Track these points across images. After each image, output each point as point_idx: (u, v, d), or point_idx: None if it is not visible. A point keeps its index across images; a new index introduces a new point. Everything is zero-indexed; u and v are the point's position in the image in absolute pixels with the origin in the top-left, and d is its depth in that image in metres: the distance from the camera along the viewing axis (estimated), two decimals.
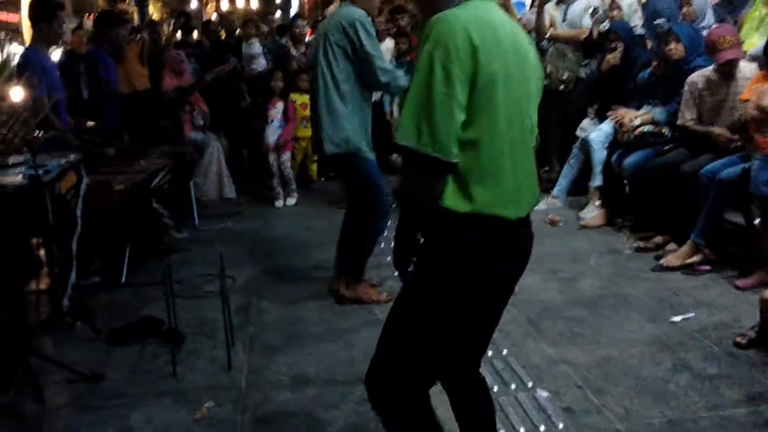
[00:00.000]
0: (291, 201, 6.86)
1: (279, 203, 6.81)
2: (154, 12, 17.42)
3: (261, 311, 4.13)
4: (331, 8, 7.90)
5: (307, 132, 7.15)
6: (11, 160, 3.10)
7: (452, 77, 1.68)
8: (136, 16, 11.68)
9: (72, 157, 3.47)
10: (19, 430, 2.88)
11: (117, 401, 3.11)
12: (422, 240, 1.87)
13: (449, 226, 1.79)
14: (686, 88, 4.70)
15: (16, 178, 2.92)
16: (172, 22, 9.25)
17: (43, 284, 3.76)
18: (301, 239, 5.61)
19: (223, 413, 2.99)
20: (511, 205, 1.83)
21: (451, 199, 1.77)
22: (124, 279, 4.60)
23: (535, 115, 1.94)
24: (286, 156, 6.93)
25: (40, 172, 2.95)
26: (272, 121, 6.87)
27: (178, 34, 8.74)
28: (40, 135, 2.93)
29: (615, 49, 5.50)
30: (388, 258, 4.91)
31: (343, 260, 4.19)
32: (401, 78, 3.90)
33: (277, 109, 6.90)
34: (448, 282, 1.82)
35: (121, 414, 3.00)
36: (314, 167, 7.52)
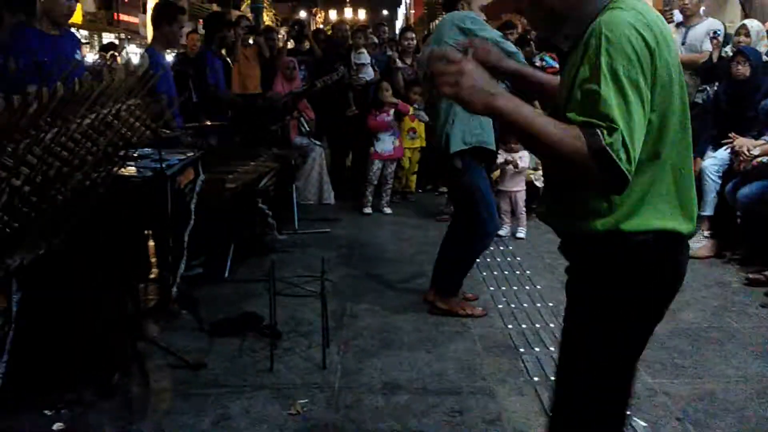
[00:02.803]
0: (388, 210, 6.94)
1: (368, 210, 6.90)
2: (266, 20, 18.06)
3: (355, 316, 4.20)
4: (437, 21, 7.96)
5: (412, 143, 7.24)
6: (138, 152, 3.31)
7: (641, 89, 1.54)
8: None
9: (192, 153, 3.65)
10: (124, 411, 3.04)
11: (216, 390, 3.24)
12: (577, 271, 1.77)
13: (625, 249, 1.66)
14: None
15: (142, 170, 3.11)
16: (287, 29, 9.58)
17: (153, 273, 3.97)
18: (396, 249, 5.67)
19: (316, 411, 3.06)
20: (683, 218, 1.71)
21: (626, 220, 1.64)
22: (227, 273, 4.78)
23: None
24: (395, 165, 7.02)
25: (164, 166, 3.12)
26: (385, 130, 6.97)
27: (290, 42, 9.03)
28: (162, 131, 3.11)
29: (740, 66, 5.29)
30: (484, 273, 4.96)
31: (440, 273, 4.21)
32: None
33: (390, 117, 7.00)
34: (626, 310, 1.70)
35: (221, 402, 3.12)
36: (414, 178, 7.58)
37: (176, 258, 3.34)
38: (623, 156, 1.47)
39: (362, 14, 46.26)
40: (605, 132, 1.48)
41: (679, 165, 1.69)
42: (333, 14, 45.41)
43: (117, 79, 2.46)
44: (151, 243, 3.86)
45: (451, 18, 3.89)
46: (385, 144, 6.96)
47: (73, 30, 4.42)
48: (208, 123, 4.54)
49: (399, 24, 45.77)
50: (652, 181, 1.65)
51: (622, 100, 1.50)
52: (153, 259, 4.05)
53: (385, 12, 49.34)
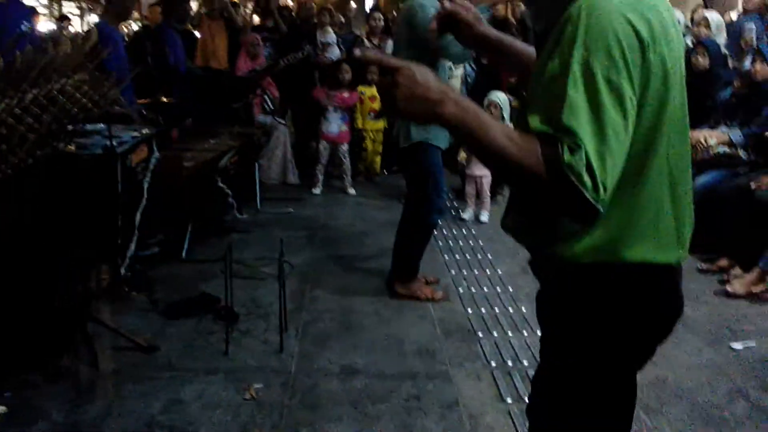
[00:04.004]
0: (352, 191, 6.87)
1: (316, 190, 6.81)
2: None
3: (315, 299, 4.14)
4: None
5: (374, 124, 7.15)
6: (89, 127, 3.20)
7: (624, 97, 1.22)
8: None
9: (145, 130, 3.54)
10: (71, 394, 2.95)
11: (169, 373, 3.17)
12: (553, 299, 1.51)
13: (597, 284, 1.40)
14: None
15: (92, 147, 3.00)
16: (253, 3, 9.39)
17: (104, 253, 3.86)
18: (360, 230, 5.62)
19: (271, 395, 3.01)
20: (672, 246, 1.42)
21: (597, 251, 1.37)
22: (184, 254, 4.69)
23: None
24: (345, 146, 6.94)
25: (115, 143, 3.02)
26: (335, 110, 6.87)
27: (256, 18, 8.85)
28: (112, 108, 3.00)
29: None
30: (446, 257, 4.94)
31: (398, 255, 4.17)
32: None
33: (342, 99, 6.91)
34: (602, 353, 1.44)
35: (173, 387, 3.05)
36: (378, 159, 7.52)
37: (126, 238, 3.25)
38: (587, 181, 1.18)
39: None
40: (566, 148, 1.19)
41: (676, 180, 1.40)
42: None
43: (62, 52, 2.34)
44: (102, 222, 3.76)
45: (408, 8, 3.81)
46: (331, 125, 6.86)
47: None
48: (164, 99, 4.42)
49: (369, 2, 45.27)
50: (635, 203, 1.35)
51: (595, 108, 1.21)
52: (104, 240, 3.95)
53: None
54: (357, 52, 1.33)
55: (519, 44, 1.74)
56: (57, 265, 3.00)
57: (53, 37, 8.30)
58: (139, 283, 3.93)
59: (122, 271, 3.29)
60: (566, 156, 1.19)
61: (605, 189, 1.20)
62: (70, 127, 2.70)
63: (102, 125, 3.26)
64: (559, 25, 1.29)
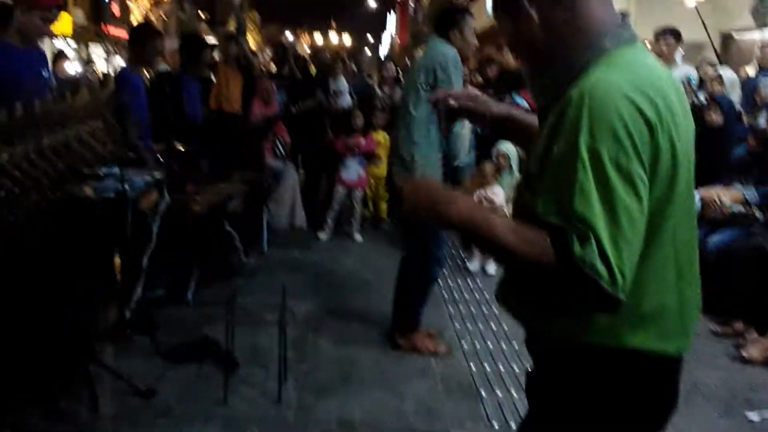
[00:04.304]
0: (358, 237, 6.90)
1: (323, 235, 6.83)
2: (251, 42, 18.07)
3: (317, 347, 4.13)
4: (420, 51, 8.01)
5: (380, 171, 7.21)
6: (102, 171, 3.24)
7: (636, 181, 1.20)
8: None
9: (157, 175, 3.59)
10: None
11: (166, 420, 3.16)
12: (545, 379, 1.47)
13: (592, 367, 1.36)
14: None
15: (103, 190, 3.04)
16: (270, 53, 9.60)
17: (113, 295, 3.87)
18: (365, 278, 5.62)
19: None
20: (673, 335, 1.37)
21: (601, 331, 1.32)
22: (189, 297, 4.70)
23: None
24: (360, 192, 6.99)
25: (127, 187, 3.06)
26: (354, 156, 6.94)
27: (273, 66, 9.03)
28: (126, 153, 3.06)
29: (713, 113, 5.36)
30: (450, 309, 4.93)
31: (398, 307, 4.16)
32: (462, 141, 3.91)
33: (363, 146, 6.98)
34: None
35: None
36: (384, 206, 7.56)
37: (133, 281, 3.27)
38: (602, 271, 1.16)
39: (347, 39, 46.58)
40: (575, 239, 1.18)
41: (681, 264, 1.36)
42: (319, 39, 45.68)
43: (80, 100, 2.40)
44: (110, 265, 3.79)
45: (435, 55, 3.87)
46: (350, 172, 6.92)
47: (61, 40, 4.37)
48: (180, 147, 4.49)
49: (383, 50, 46.08)
50: (638, 287, 1.29)
51: (606, 194, 1.18)
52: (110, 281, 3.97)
53: (370, 38, 49.67)
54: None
55: (528, 118, 1.75)
56: (64, 305, 3.02)
57: (75, 81, 8.49)
58: (143, 325, 3.93)
59: (127, 313, 3.30)
60: (576, 248, 1.18)
61: (623, 276, 1.17)
62: (85, 170, 2.75)
63: (115, 168, 3.31)
64: (560, 105, 1.28)
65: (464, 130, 3.88)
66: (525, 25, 1.39)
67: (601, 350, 1.35)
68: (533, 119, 1.70)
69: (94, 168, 2.81)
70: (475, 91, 1.79)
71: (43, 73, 3.54)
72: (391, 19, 44.52)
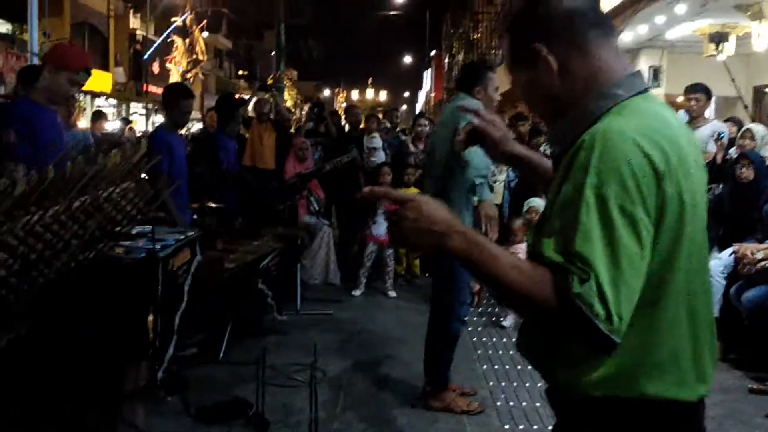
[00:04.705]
0: (392, 294, 6.86)
1: (356, 292, 6.81)
2: (288, 99, 18.48)
3: (348, 407, 4.07)
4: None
5: None
6: (134, 230, 3.30)
7: (639, 226, 1.22)
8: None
9: (189, 233, 3.64)
10: None
11: None
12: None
13: (612, 418, 1.33)
14: None
15: (135, 250, 3.09)
16: (307, 110, 9.81)
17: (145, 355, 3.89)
18: (398, 335, 5.56)
19: None
20: (690, 381, 1.35)
21: (610, 382, 1.30)
22: (222, 355, 4.70)
23: None
24: (391, 249, 6.98)
25: (158, 246, 3.10)
26: (382, 212, 6.96)
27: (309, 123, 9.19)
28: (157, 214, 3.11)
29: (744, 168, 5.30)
30: (484, 366, 4.83)
31: (428, 366, 4.09)
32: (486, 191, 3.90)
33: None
34: None
35: None
36: (417, 262, 7.53)
37: (164, 341, 3.27)
38: (600, 311, 1.17)
39: (383, 95, 47.35)
40: (575, 278, 1.19)
41: (695, 311, 1.35)
42: (355, 94, 46.53)
43: (111, 163, 2.46)
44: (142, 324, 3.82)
45: (448, 113, 3.90)
46: (380, 227, 6.93)
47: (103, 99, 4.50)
48: (212, 205, 4.57)
49: (419, 106, 46.67)
50: (650, 336, 1.30)
51: (609, 236, 1.20)
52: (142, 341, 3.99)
53: (406, 94, 50.41)
54: (365, 190, 1.39)
55: (546, 162, 1.75)
56: (94, 366, 3.03)
57: (112, 140, 8.74)
58: (174, 384, 3.92)
59: (159, 374, 3.30)
60: (576, 286, 1.18)
61: (620, 318, 1.19)
62: (117, 229, 2.79)
63: (147, 228, 3.36)
64: (573, 149, 1.30)
65: (501, 175, 3.91)
66: (542, 75, 1.41)
67: (619, 401, 1.32)
68: (549, 165, 1.71)
69: (125, 228, 2.85)
70: (499, 120, 1.79)
71: (62, 134, 3.63)
72: (427, 75, 45.27)
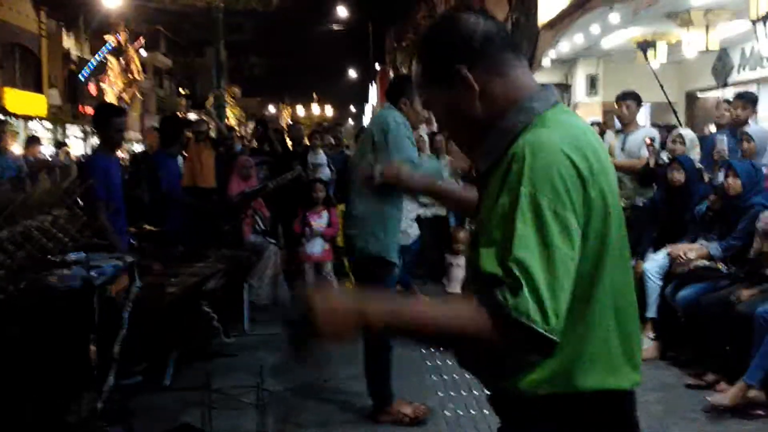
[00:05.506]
0: None
1: None
2: (230, 116, 18.30)
3: (299, 426, 4.04)
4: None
5: None
6: (70, 257, 3.22)
7: (570, 229, 1.29)
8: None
9: (127, 259, 3.57)
10: None
11: None
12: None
13: (554, 415, 1.39)
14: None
15: (69, 278, 3.02)
16: (252, 128, 9.75)
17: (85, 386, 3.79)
18: (345, 351, 5.49)
19: None
20: (622, 368, 1.42)
21: (550, 381, 1.36)
22: (168, 381, 4.61)
23: None
24: (329, 265, 6.95)
25: (94, 274, 3.04)
26: (315, 230, 6.93)
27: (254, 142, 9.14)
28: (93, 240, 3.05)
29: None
30: (434, 377, 4.84)
31: (370, 381, 4.09)
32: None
33: (321, 218, 6.98)
34: None
35: None
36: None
37: (105, 370, 3.20)
38: (536, 317, 1.23)
39: (329, 110, 47.33)
40: (507, 291, 1.25)
41: (619, 304, 1.43)
42: (301, 110, 46.39)
43: (41, 189, 2.40)
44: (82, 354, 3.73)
45: (371, 125, 3.91)
46: (314, 246, 6.90)
47: (37, 122, 4.39)
48: (149, 228, 4.49)
49: (366, 120, 46.71)
50: (584, 331, 1.37)
51: (544, 240, 1.27)
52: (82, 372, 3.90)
53: (353, 108, 50.52)
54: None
55: (462, 192, 1.86)
56: (30, 400, 2.94)
57: (46, 164, 8.54)
58: (118, 414, 3.83)
59: (99, 404, 3.22)
60: (510, 300, 1.24)
61: (557, 317, 1.26)
62: (49, 257, 2.73)
63: (83, 254, 3.29)
64: (504, 163, 1.36)
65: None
66: (462, 95, 1.45)
67: (559, 398, 1.38)
68: (458, 192, 1.90)
69: (58, 256, 2.78)
70: (396, 166, 1.93)
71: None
72: (373, 89, 45.42)
